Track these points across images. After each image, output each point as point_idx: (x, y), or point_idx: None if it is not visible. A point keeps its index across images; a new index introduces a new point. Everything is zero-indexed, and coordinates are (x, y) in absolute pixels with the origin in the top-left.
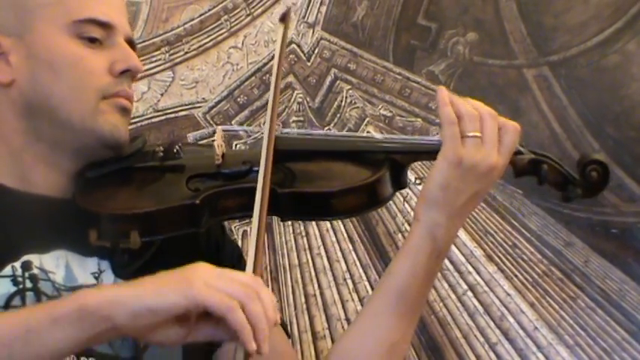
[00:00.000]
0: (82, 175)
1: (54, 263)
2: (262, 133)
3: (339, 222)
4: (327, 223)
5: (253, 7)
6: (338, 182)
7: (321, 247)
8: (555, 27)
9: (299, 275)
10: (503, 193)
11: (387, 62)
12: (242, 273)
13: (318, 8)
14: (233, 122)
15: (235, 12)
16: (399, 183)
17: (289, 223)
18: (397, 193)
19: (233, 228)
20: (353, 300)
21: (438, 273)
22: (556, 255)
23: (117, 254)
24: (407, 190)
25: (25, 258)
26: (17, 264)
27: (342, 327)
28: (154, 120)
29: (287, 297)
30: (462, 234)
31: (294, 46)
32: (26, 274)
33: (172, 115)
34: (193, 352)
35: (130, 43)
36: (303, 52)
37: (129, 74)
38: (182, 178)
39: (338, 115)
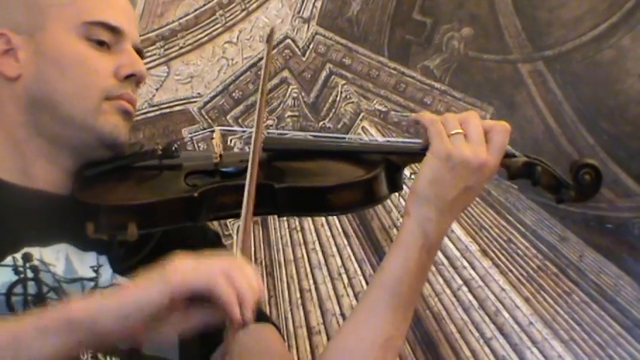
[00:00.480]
0: (81, 173)
1: (54, 256)
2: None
3: (334, 217)
4: (322, 218)
5: (248, 2)
6: (334, 178)
7: (316, 242)
8: (550, 22)
9: (294, 270)
10: (499, 188)
11: (382, 57)
12: (224, 259)
13: (314, 3)
14: (228, 117)
15: (230, 7)
16: (395, 184)
17: (284, 218)
18: None
19: (228, 223)
20: (348, 295)
21: (432, 268)
22: (551, 250)
23: (114, 247)
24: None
25: (26, 250)
26: (18, 255)
27: (337, 322)
28: (149, 115)
29: (282, 292)
30: (456, 229)
31: (289, 41)
32: (27, 265)
33: (167, 110)
34: (189, 344)
35: (138, 51)
36: (298, 47)
37: (133, 79)
38: (180, 174)
39: (333, 110)
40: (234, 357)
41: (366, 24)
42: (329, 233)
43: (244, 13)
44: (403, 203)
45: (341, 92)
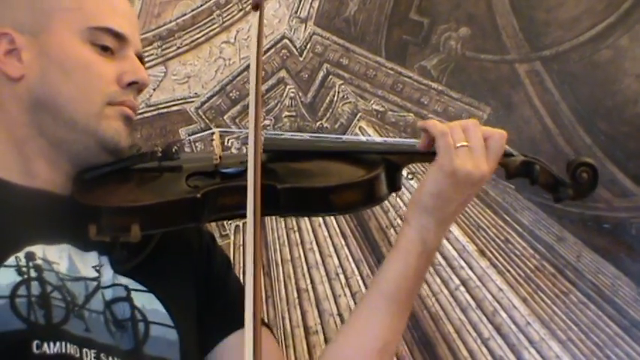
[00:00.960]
0: (80, 176)
1: (57, 255)
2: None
3: (332, 217)
4: (320, 219)
5: (245, 2)
6: (336, 179)
7: (314, 242)
8: (547, 22)
9: (291, 270)
10: (496, 188)
11: (380, 57)
12: None
13: (311, 3)
14: (225, 117)
15: (227, 7)
16: (394, 184)
17: (281, 218)
18: None
19: (225, 223)
20: (345, 295)
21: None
22: (548, 250)
23: (116, 249)
24: None
25: (28, 249)
26: (21, 254)
27: (335, 322)
28: (146, 115)
29: (279, 292)
30: (454, 229)
31: (286, 41)
32: (30, 264)
33: (165, 110)
34: (190, 343)
35: (140, 58)
36: (295, 47)
37: (135, 87)
38: (181, 176)
39: (330, 110)
40: None
41: (363, 24)
42: (326, 233)
43: (241, 13)
44: (400, 204)
45: (338, 92)
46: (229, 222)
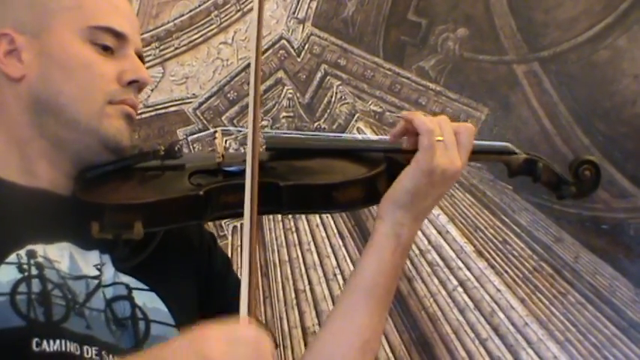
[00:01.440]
0: (82, 175)
1: (58, 253)
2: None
3: (329, 218)
4: (317, 219)
5: (243, 3)
6: (339, 176)
7: (311, 243)
8: (546, 23)
9: (289, 271)
10: (494, 189)
11: (377, 58)
12: (246, 329)
13: (309, 4)
14: (223, 118)
15: (225, 8)
16: None
17: (279, 218)
18: None
19: (223, 224)
20: None
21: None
22: (546, 251)
23: (119, 247)
24: None
25: (30, 247)
26: (22, 252)
27: None
28: (144, 116)
29: (277, 293)
30: (452, 230)
31: (284, 41)
32: (31, 262)
33: (162, 111)
34: None
35: (140, 57)
36: (293, 47)
37: (136, 85)
38: (184, 174)
39: (328, 111)
40: None
41: (361, 25)
42: (324, 234)
43: (239, 14)
44: None
45: (336, 93)
46: (227, 223)
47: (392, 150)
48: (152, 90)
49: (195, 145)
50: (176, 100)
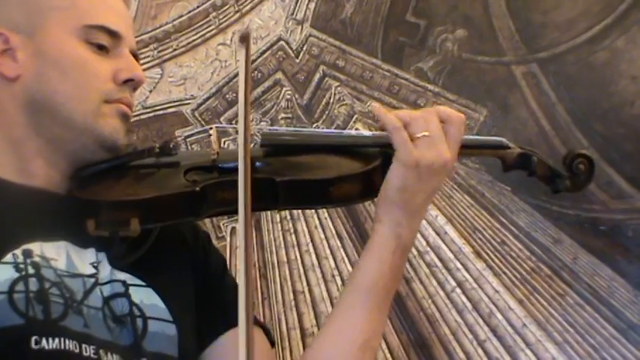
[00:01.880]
0: (79, 173)
1: (55, 252)
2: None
3: (328, 219)
4: (316, 220)
5: (242, 4)
6: (334, 171)
7: (310, 244)
8: (544, 24)
9: (287, 272)
10: (492, 190)
11: (376, 59)
12: None
13: (307, 5)
14: (222, 119)
15: (224, 9)
16: None
17: (277, 220)
18: None
19: (221, 225)
20: None
21: (426, 269)
22: (544, 252)
23: (115, 244)
24: None
25: (26, 246)
26: (18, 251)
27: None
28: (142, 117)
29: (275, 294)
30: (450, 231)
31: (282, 42)
32: (28, 261)
33: (161, 112)
34: (189, 338)
35: (134, 56)
36: (291, 48)
37: (131, 84)
38: (179, 171)
39: (326, 112)
40: None
41: (359, 26)
42: (322, 235)
43: (238, 15)
44: None
45: (334, 94)
46: (225, 224)
47: (388, 145)
48: (150, 91)
49: (193, 146)
50: (174, 101)
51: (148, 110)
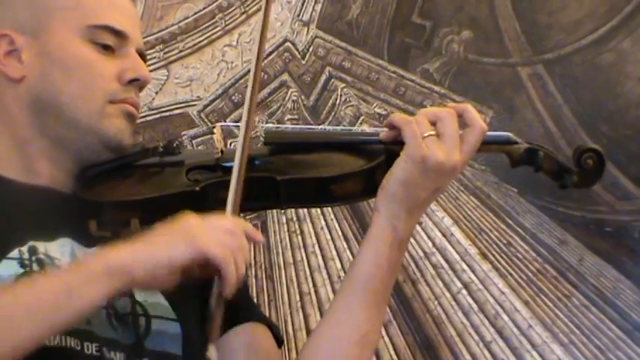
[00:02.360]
0: (83, 174)
1: (59, 251)
2: (257, 131)
3: (334, 220)
4: (322, 221)
5: (248, 6)
6: (337, 169)
7: (316, 246)
8: (550, 25)
9: (293, 273)
10: (498, 191)
11: (382, 60)
12: (226, 219)
13: (313, 6)
14: (228, 120)
15: (230, 10)
16: None
17: (284, 221)
18: None
19: None
20: None
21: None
22: (550, 253)
23: (117, 244)
24: None
25: (32, 243)
26: (24, 248)
27: None
28: (148, 118)
29: (282, 295)
30: (456, 232)
31: (288, 44)
32: (33, 258)
33: (167, 114)
34: (193, 336)
35: (141, 55)
36: (297, 50)
37: (137, 84)
38: (182, 170)
39: (333, 114)
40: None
41: (365, 27)
42: (328, 236)
43: (244, 16)
44: None
45: (340, 95)
46: None
47: (391, 142)
48: (156, 93)
49: (200, 148)
50: (180, 103)
51: (154, 112)
